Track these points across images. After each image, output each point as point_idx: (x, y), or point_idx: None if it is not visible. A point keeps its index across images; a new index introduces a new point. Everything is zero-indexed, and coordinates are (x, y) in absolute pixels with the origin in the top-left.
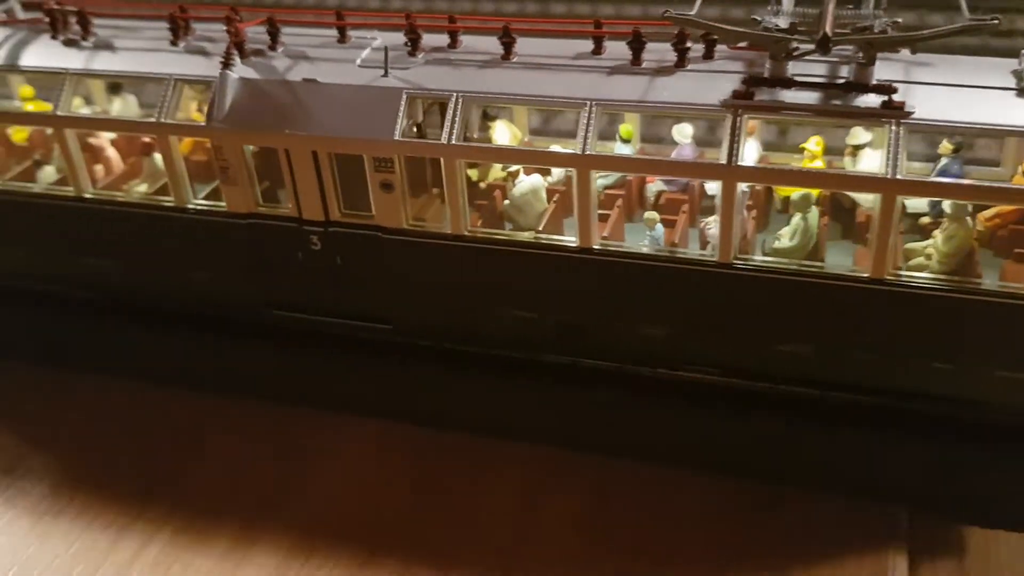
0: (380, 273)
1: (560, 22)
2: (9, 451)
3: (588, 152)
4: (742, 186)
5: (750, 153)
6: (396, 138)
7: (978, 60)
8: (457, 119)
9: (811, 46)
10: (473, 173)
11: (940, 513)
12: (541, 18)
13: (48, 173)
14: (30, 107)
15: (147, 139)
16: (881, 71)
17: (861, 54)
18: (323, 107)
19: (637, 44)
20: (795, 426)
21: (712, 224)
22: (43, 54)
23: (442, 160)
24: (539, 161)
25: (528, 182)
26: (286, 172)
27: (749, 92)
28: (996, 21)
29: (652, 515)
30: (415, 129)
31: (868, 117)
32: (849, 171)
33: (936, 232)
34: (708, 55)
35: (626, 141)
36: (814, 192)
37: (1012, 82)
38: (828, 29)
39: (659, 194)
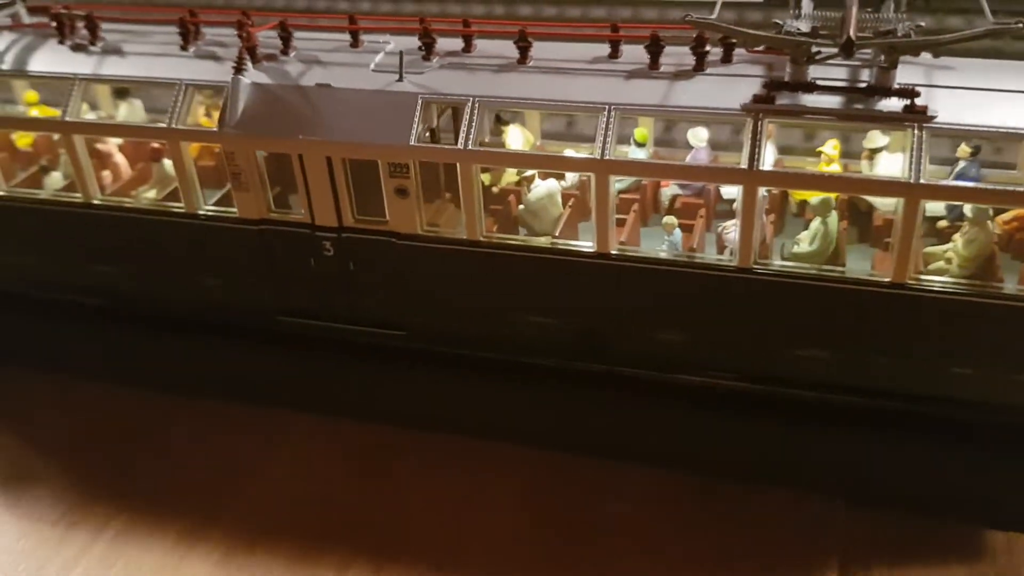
0: (394, 279)
1: (576, 26)
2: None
3: (607, 157)
4: (762, 190)
5: (767, 157)
6: (412, 143)
7: (999, 63)
8: (474, 124)
9: (833, 50)
10: (486, 177)
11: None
12: (557, 22)
13: (55, 179)
14: (35, 112)
15: (156, 144)
16: (901, 75)
17: (883, 58)
18: (337, 112)
19: (655, 48)
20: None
21: (730, 228)
22: (51, 59)
23: (458, 165)
24: (557, 166)
25: (544, 187)
26: (299, 178)
27: (770, 96)
28: (1021, 25)
29: (593, 509)
30: (428, 134)
31: (890, 121)
32: (872, 175)
33: (956, 236)
34: (726, 59)
35: (641, 145)
36: (834, 196)
37: None
38: (852, 33)
39: (674, 198)
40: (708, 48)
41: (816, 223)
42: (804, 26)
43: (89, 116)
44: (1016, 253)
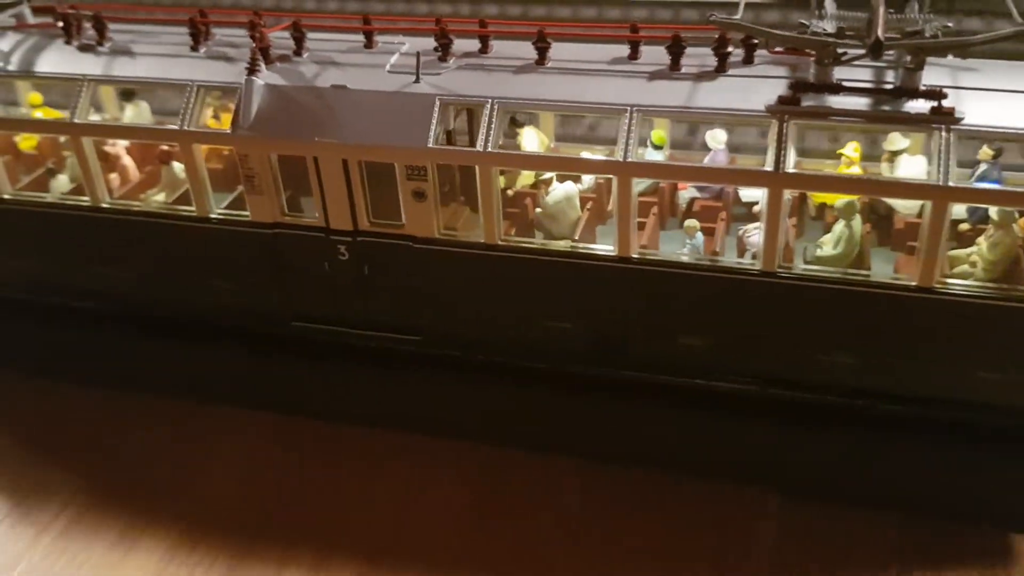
0: (410, 283)
1: (594, 26)
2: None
3: (630, 159)
4: (787, 193)
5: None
6: (430, 146)
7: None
8: (493, 126)
9: (859, 51)
10: (500, 180)
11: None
12: (573, 22)
13: (61, 182)
14: (39, 114)
15: (165, 147)
16: (925, 76)
17: (909, 59)
18: (353, 114)
19: (676, 49)
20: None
21: (752, 231)
22: (58, 60)
23: (477, 168)
24: (578, 168)
25: (562, 189)
26: (314, 181)
27: (795, 97)
28: None
29: (535, 504)
30: (444, 136)
31: (918, 123)
32: (901, 178)
33: (980, 239)
34: (748, 60)
35: (658, 147)
36: (858, 199)
37: None
38: (880, 34)
39: (691, 201)
40: (730, 49)
41: (840, 226)
42: (829, 27)
43: (94, 118)
44: None
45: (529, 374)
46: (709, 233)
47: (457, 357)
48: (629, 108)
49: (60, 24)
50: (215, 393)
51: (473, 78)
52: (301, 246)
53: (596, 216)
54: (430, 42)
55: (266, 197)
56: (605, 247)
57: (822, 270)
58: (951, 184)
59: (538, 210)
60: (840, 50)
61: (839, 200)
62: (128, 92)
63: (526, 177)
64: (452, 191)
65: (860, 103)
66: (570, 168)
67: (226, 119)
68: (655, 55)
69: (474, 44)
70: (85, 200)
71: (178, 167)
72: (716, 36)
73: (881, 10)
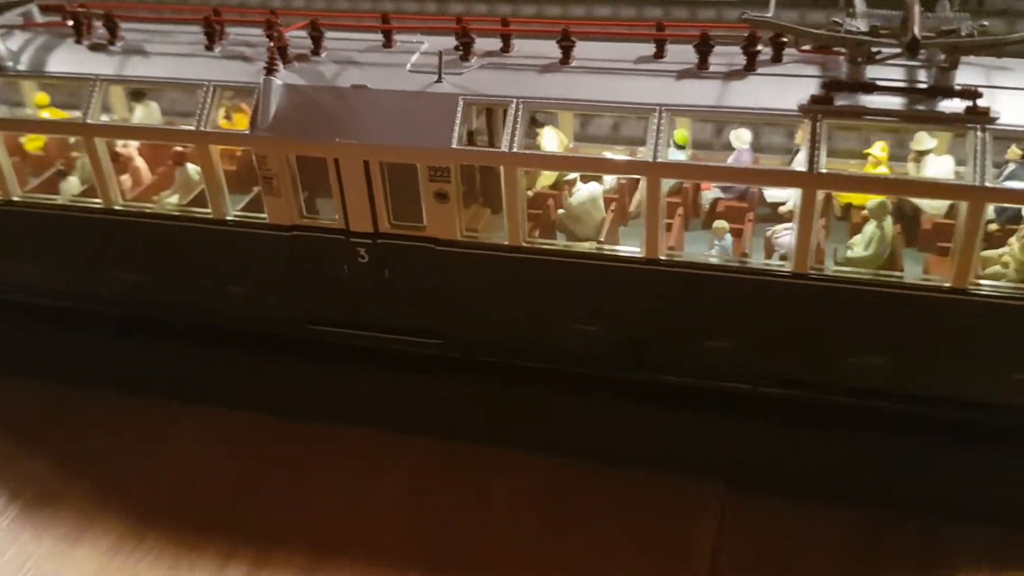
0: (432, 286)
1: (617, 25)
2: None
3: (659, 160)
4: (821, 194)
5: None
6: (454, 147)
7: None
8: (518, 126)
9: (893, 50)
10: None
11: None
12: (594, 21)
13: (72, 184)
14: (45, 115)
15: (179, 148)
16: (959, 75)
17: (943, 58)
18: (374, 114)
19: (704, 47)
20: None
21: (781, 232)
22: (69, 59)
23: (502, 169)
24: (607, 169)
25: (587, 190)
26: (334, 182)
27: (829, 96)
28: None
29: (477, 496)
30: (466, 137)
31: (953, 123)
32: (938, 179)
33: (1012, 240)
34: (776, 58)
35: (681, 147)
36: (890, 200)
37: None
38: (917, 32)
39: (715, 201)
40: (760, 47)
41: (871, 227)
42: (862, 25)
43: (103, 119)
44: None
45: (553, 377)
46: (735, 234)
47: (479, 361)
48: (658, 108)
49: (70, 23)
50: (226, 397)
51: (496, 77)
52: (320, 248)
53: (618, 217)
54: (449, 41)
55: (284, 199)
56: (632, 249)
57: (854, 271)
58: (988, 184)
59: (561, 211)
60: (874, 49)
61: (871, 201)
62: (138, 92)
63: (546, 178)
64: (472, 192)
65: (893, 102)
66: (598, 169)
67: (238, 119)
68: (681, 54)
69: (494, 43)
70: (97, 202)
71: (192, 168)
72: (745, 35)
73: (916, 8)
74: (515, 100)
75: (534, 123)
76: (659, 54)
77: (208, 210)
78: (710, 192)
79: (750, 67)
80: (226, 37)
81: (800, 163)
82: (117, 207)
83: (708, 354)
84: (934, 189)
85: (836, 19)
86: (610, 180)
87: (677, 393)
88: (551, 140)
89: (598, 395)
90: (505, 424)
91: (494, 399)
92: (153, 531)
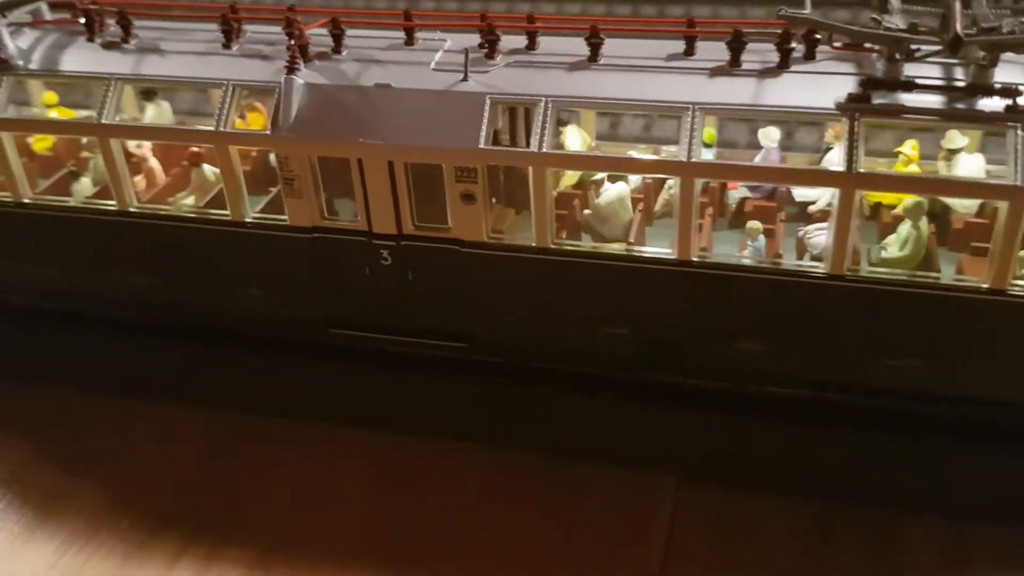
0: (456, 289)
1: (645, 22)
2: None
3: (694, 159)
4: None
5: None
6: (481, 147)
7: None
8: (547, 125)
9: (932, 48)
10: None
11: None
12: (621, 18)
13: (84, 185)
14: (53, 114)
15: (195, 149)
16: (996, 73)
17: (982, 55)
18: (399, 114)
19: (737, 45)
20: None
21: (814, 233)
22: (82, 58)
23: (530, 169)
24: (638, 169)
25: (615, 190)
26: (357, 183)
27: (867, 95)
28: None
29: (436, 491)
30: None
31: (994, 121)
32: (979, 179)
33: None
34: (809, 56)
35: (708, 146)
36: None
37: None
38: (960, 29)
39: (742, 201)
40: (794, 45)
41: (906, 227)
42: (900, 22)
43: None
44: None
45: (582, 381)
46: (766, 234)
47: (504, 364)
48: (691, 106)
49: (82, 21)
50: (243, 402)
51: (523, 76)
52: (341, 251)
53: (644, 217)
54: (472, 38)
55: (305, 200)
56: (664, 250)
57: (891, 272)
58: None
59: (587, 212)
60: (912, 46)
61: (907, 200)
62: (149, 92)
63: (568, 177)
64: (496, 193)
65: (931, 101)
66: (629, 169)
67: (252, 119)
68: (710, 51)
69: (518, 41)
70: (111, 204)
71: (208, 170)
72: (773, 31)
73: (958, 5)
74: (544, 99)
75: (557, 121)
76: (689, 51)
77: (226, 212)
78: (736, 191)
79: (783, 64)
80: (243, 35)
81: (833, 162)
82: (132, 209)
83: (738, 357)
84: (976, 189)
85: (875, 16)
86: (635, 180)
87: (632, 387)
88: (574, 139)
89: (556, 390)
90: (513, 424)
91: (504, 399)
92: (103, 529)
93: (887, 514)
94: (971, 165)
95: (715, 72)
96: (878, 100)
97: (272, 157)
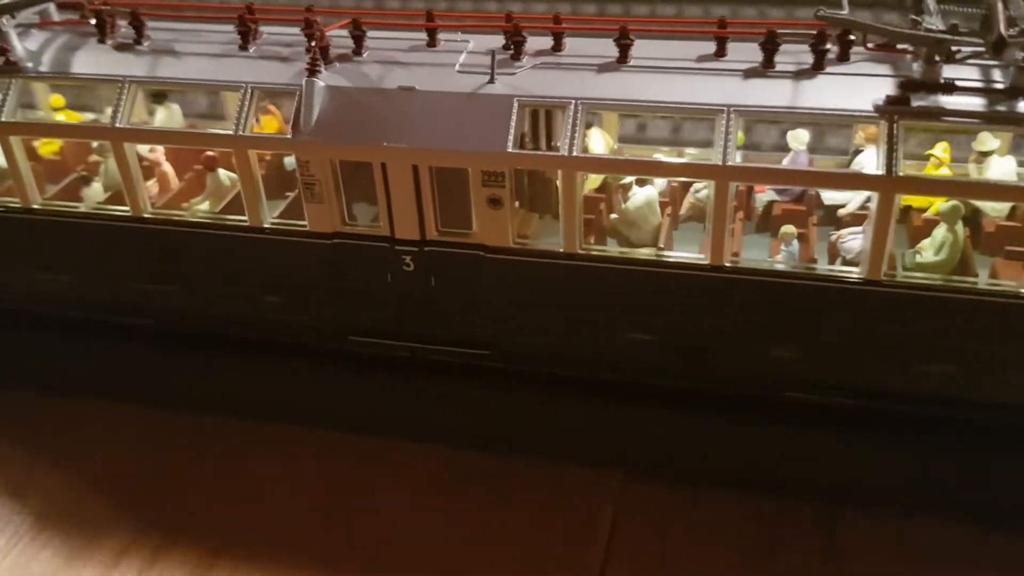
0: (480, 295)
1: (674, 23)
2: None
3: (729, 163)
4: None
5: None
6: (509, 150)
7: None
8: (578, 128)
9: (972, 49)
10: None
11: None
12: (629, 18)
13: (96, 190)
14: (60, 117)
15: (210, 153)
16: None
17: (1023, 57)
18: (423, 117)
19: (770, 46)
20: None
21: (848, 237)
22: (93, 60)
23: (560, 173)
24: (672, 173)
25: (643, 194)
26: (380, 188)
27: (905, 97)
28: None
29: (376, 488)
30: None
31: None
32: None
33: None
34: (843, 57)
35: (737, 148)
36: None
37: None
38: (1004, 30)
39: (769, 204)
40: (829, 46)
41: (942, 231)
42: (939, 23)
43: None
44: None
45: (607, 388)
46: (803, 239)
47: (528, 371)
48: (726, 108)
49: (93, 22)
50: (259, 411)
51: (551, 78)
52: (363, 257)
53: (673, 221)
54: (496, 40)
55: (326, 205)
56: (696, 255)
57: (927, 277)
58: None
59: (613, 216)
60: (953, 48)
61: (944, 204)
62: (159, 95)
63: (592, 181)
64: (520, 197)
65: (970, 103)
66: (661, 172)
67: (266, 122)
68: (741, 52)
69: (542, 42)
70: (125, 210)
71: (224, 174)
72: (807, 32)
73: (1000, 6)
74: (574, 101)
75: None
76: (720, 53)
77: (244, 217)
78: (764, 195)
79: (818, 66)
80: (259, 36)
81: (863, 165)
82: (146, 215)
83: (772, 363)
84: (1018, 192)
85: (914, 16)
86: (660, 183)
87: (579, 385)
88: (598, 142)
89: (500, 388)
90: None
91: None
92: (50, 528)
93: (833, 510)
94: (1003, 168)
95: (748, 74)
96: (916, 102)
97: (287, 161)
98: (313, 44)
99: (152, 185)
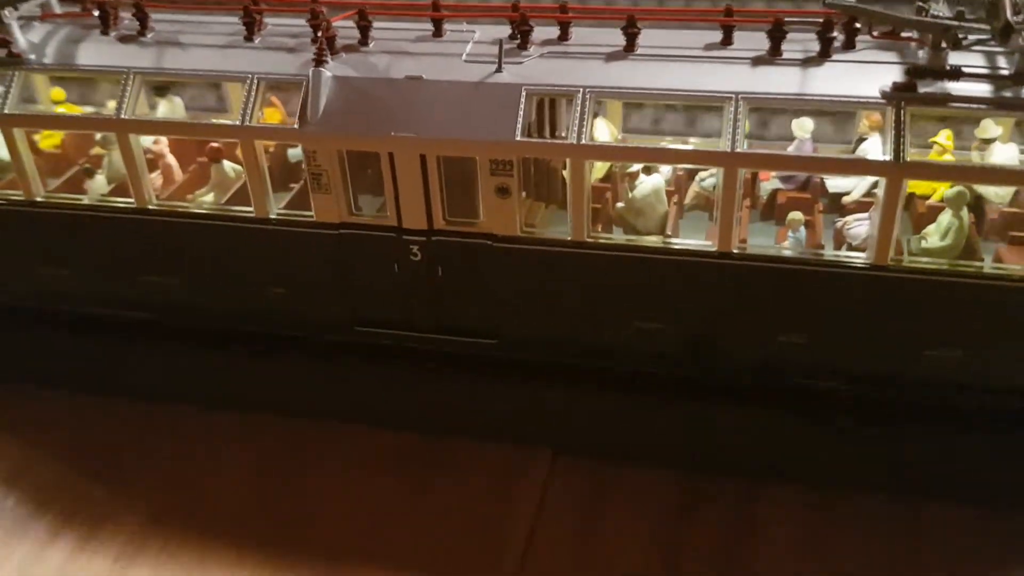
0: (488, 284)
1: (682, 11)
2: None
3: (738, 150)
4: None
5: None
6: (518, 139)
7: None
8: (586, 117)
9: (979, 36)
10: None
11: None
12: (644, 8)
13: (99, 183)
14: (61, 111)
15: (215, 144)
16: None
17: None
18: (431, 106)
19: (777, 34)
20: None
21: (854, 223)
22: (97, 52)
23: (568, 161)
24: (681, 160)
25: (650, 183)
26: (387, 178)
27: (912, 83)
28: None
29: (309, 469)
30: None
31: None
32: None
33: None
34: (849, 45)
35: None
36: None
37: None
38: (1011, 17)
39: (774, 192)
40: (835, 34)
41: (948, 217)
42: (945, 10)
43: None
44: None
45: (617, 378)
46: (809, 226)
47: (535, 361)
48: (734, 96)
49: (96, 13)
50: (265, 403)
51: (559, 66)
52: (370, 247)
53: (677, 209)
54: (501, 30)
55: (333, 196)
56: (704, 242)
57: (934, 262)
58: None
59: (620, 204)
60: (960, 34)
61: (949, 190)
62: (161, 88)
63: (596, 171)
64: (526, 187)
65: (976, 90)
66: (670, 160)
67: (268, 114)
68: (748, 41)
69: (549, 32)
70: (129, 202)
71: (228, 166)
72: (812, 20)
73: None
74: (582, 89)
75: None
76: (727, 41)
77: (250, 208)
78: (768, 183)
79: (824, 54)
80: (264, 28)
81: (869, 152)
82: (151, 207)
83: (779, 350)
84: (1022, 176)
85: (921, 3)
86: (666, 172)
87: (509, 365)
88: (602, 131)
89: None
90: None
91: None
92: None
93: (752, 487)
94: (1005, 154)
95: (756, 62)
96: (923, 89)
97: (291, 154)
98: (319, 34)
99: (156, 178)
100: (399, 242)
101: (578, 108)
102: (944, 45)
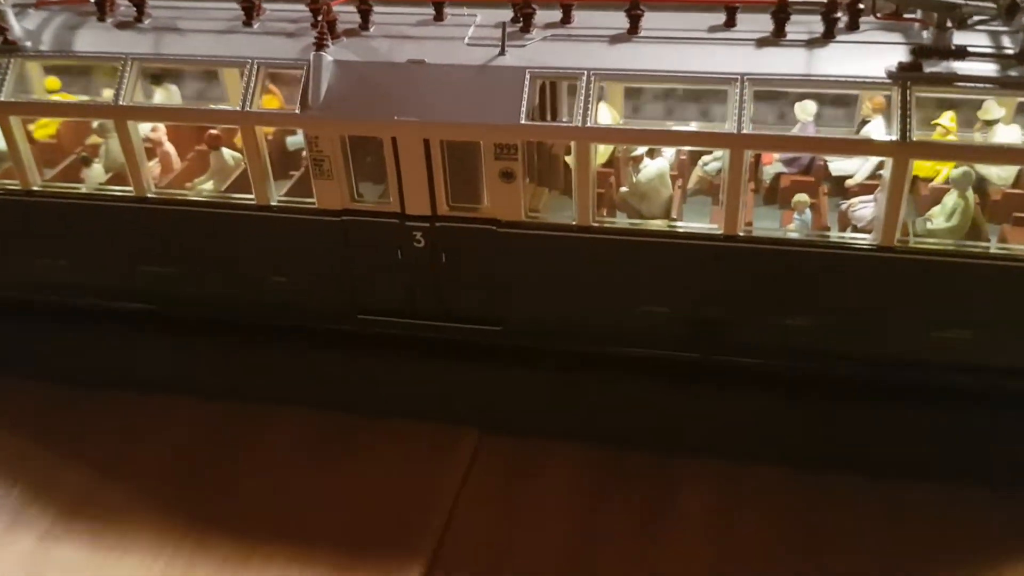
0: (492, 270)
1: None
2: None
3: (744, 131)
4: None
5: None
6: (522, 122)
7: None
8: (591, 100)
9: (985, 16)
10: (571, 160)
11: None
12: None
13: (96, 171)
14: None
15: (214, 131)
16: None
17: None
18: (434, 90)
19: (782, 15)
20: None
21: (859, 205)
22: (94, 38)
23: (573, 145)
24: (687, 142)
25: (655, 166)
26: (390, 163)
27: (918, 63)
28: None
29: (234, 450)
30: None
31: None
32: None
33: None
34: (853, 25)
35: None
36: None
37: None
38: None
39: (777, 176)
40: (839, 15)
41: (953, 197)
42: None
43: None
44: None
45: (623, 362)
46: (815, 208)
47: (540, 348)
48: (740, 77)
49: (92, 0)
50: (266, 393)
51: (562, 49)
52: (372, 233)
53: (683, 193)
54: (503, 14)
55: (336, 182)
56: (710, 225)
57: (940, 243)
58: None
59: (624, 189)
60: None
61: (955, 171)
62: (157, 76)
63: (599, 156)
64: (529, 171)
65: (983, 69)
66: (676, 142)
67: (267, 101)
68: (752, 22)
69: (550, 15)
70: (128, 190)
71: (228, 153)
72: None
73: None
74: (586, 72)
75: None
76: (730, 23)
77: (251, 196)
78: (771, 166)
79: (829, 35)
80: (263, 13)
81: (873, 135)
82: (150, 195)
83: (786, 333)
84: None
85: None
86: (669, 156)
87: (435, 344)
88: (605, 115)
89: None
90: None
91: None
92: None
93: (667, 458)
94: (1009, 136)
95: (760, 43)
96: (928, 69)
97: (289, 141)
98: (320, 18)
99: (154, 166)
100: (402, 228)
101: (583, 91)
102: (949, 24)
